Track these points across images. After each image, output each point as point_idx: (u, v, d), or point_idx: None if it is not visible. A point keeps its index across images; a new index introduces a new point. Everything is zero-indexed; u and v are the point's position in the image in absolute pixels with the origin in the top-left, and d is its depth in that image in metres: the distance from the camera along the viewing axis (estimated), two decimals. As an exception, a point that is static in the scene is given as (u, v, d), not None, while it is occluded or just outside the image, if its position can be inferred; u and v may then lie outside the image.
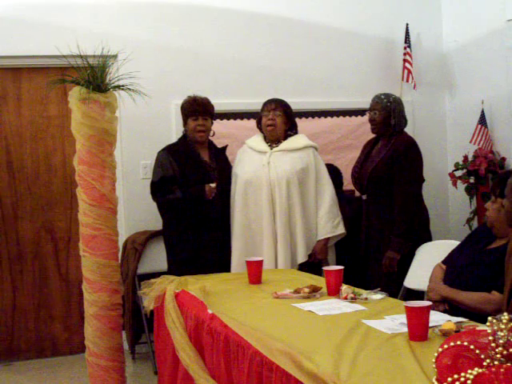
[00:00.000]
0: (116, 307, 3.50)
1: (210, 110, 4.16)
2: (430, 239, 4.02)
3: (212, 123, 4.19)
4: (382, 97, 4.08)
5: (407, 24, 5.11)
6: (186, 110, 4.13)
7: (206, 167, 4.09)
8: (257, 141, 4.14)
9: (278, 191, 3.94)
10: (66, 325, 4.81)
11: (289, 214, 3.95)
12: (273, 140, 4.09)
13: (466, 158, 4.85)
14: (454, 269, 3.11)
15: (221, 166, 4.17)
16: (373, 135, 4.23)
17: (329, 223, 4.02)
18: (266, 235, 3.94)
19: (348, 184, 4.58)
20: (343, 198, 4.32)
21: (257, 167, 4.02)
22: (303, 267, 3.91)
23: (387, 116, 4.03)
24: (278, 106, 4.07)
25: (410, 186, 3.92)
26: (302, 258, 3.96)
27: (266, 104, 4.12)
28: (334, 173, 4.29)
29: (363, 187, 4.05)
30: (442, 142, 5.38)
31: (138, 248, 4.46)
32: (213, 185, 3.96)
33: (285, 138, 4.10)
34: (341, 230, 4.06)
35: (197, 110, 4.08)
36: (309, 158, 4.06)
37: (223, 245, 4.07)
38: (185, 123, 4.15)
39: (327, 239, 4.05)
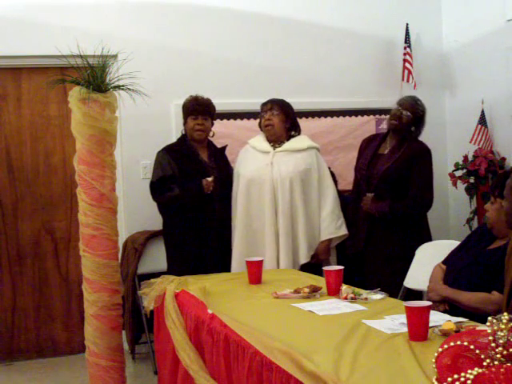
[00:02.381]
0: (116, 307, 3.49)
1: (211, 111, 4.16)
2: (430, 239, 4.02)
3: (212, 124, 4.20)
4: (419, 103, 4.05)
5: (407, 24, 5.11)
6: (187, 108, 4.14)
7: (204, 167, 4.09)
8: (259, 140, 4.15)
9: (280, 191, 3.95)
10: (66, 325, 4.81)
11: (291, 214, 3.95)
12: (275, 140, 4.09)
13: (466, 157, 4.85)
14: (454, 269, 3.11)
15: (220, 165, 4.17)
16: (362, 138, 4.29)
17: (332, 224, 4.03)
18: (267, 235, 3.94)
19: (347, 184, 4.57)
20: (342, 199, 4.31)
21: (260, 166, 4.02)
22: (304, 267, 3.91)
23: (413, 121, 4.00)
24: (273, 105, 4.07)
25: (424, 191, 3.97)
26: (304, 258, 3.96)
27: (262, 105, 4.13)
28: None
29: (371, 185, 4.03)
30: (442, 142, 5.38)
31: (138, 248, 4.46)
32: (209, 178, 3.96)
33: (288, 139, 4.10)
34: (344, 231, 4.07)
35: (197, 109, 4.09)
36: (312, 159, 4.07)
37: (223, 245, 4.08)
38: (185, 122, 4.16)
39: (330, 240, 4.06)
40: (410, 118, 3.99)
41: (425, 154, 4.02)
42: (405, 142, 4.01)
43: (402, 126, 4.01)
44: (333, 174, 4.48)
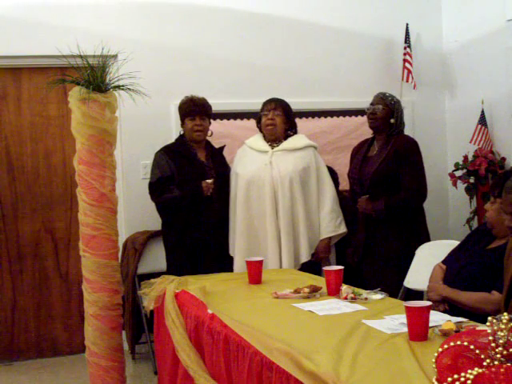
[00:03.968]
0: (116, 307, 3.50)
1: (208, 110, 4.16)
2: (428, 239, 4.02)
3: (210, 123, 4.20)
4: (387, 95, 4.11)
5: (407, 24, 5.11)
6: (184, 110, 4.14)
7: (202, 167, 4.09)
8: (257, 140, 4.15)
9: (280, 190, 3.95)
10: (66, 325, 4.81)
11: (291, 213, 3.95)
12: (273, 139, 4.09)
13: (466, 158, 4.84)
14: (454, 269, 3.11)
15: (218, 166, 4.17)
16: (362, 138, 4.29)
17: (331, 222, 4.04)
18: (269, 234, 3.94)
19: (347, 184, 4.57)
20: (342, 198, 4.32)
21: (259, 166, 4.02)
22: (304, 266, 3.92)
23: (389, 113, 4.04)
24: (277, 105, 4.08)
25: (416, 182, 3.95)
26: (305, 257, 3.97)
27: (265, 104, 4.12)
28: (330, 173, 4.29)
29: (364, 188, 4.05)
30: (442, 142, 5.38)
31: (138, 248, 4.46)
32: (209, 181, 3.96)
33: (285, 138, 4.11)
34: (343, 229, 4.08)
35: (194, 110, 4.09)
36: (310, 157, 4.07)
37: (223, 245, 4.08)
38: (182, 123, 4.16)
39: (330, 238, 4.06)
40: (382, 110, 4.03)
41: (411, 146, 4.04)
42: (391, 139, 4.03)
43: (380, 121, 4.04)
44: (335, 173, 4.50)
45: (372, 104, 4.09)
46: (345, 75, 5.14)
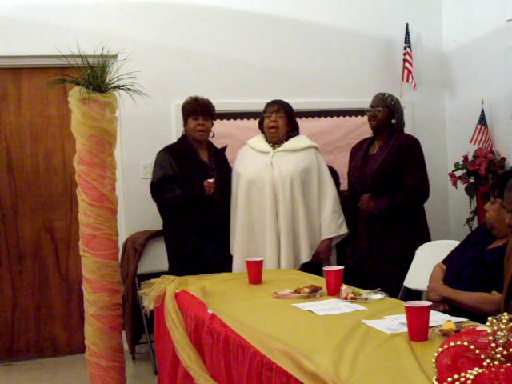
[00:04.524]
0: (116, 307, 3.50)
1: (211, 111, 4.17)
2: (429, 239, 4.02)
3: (212, 124, 4.20)
4: (386, 95, 4.10)
5: (407, 24, 5.11)
6: (187, 109, 4.14)
7: (205, 167, 4.09)
8: (258, 141, 4.15)
9: (281, 191, 3.95)
10: (66, 325, 4.81)
11: (292, 214, 3.96)
12: (275, 141, 4.09)
13: (466, 157, 4.84)
14: (454, 269, 3.11)
15: (220, 166, 4.18)
16: (362, 138, 4.29)
17: (333, 223, 4.04)
18: (268, 234, 3.94)
19: (347, 184, 4.57)
20: (343, 199, 4.32)
21: (260, 167, 4.02)
22: (304, 267, 3.92)
23: (390, 114, 4.04)
24: (280, 107, 4.08)
25: (418, 180, 3.95)
26: (305, 257, 3.97)
27: (268, 105, 4.12)
28: (331, 173, 4.30)
29: (366, 186, 4.04)
30: (442, 142, 5.38)
31: (138, 248, 4.46)
32: (211, 180, 3.96)
33: (287, 139, 4.11)
34: (344, 229, 4.08)
35: (197, 109, 4.10)
36: (311, 158, 4.08)
37: (224, 245, 4.08)
38: (185, 123, 4.17)
39: (331, 239, 4.06)
40: (383, 112, 4.03)
41: (413, 144, 4.04)
42: (392, 138, 4.03)
43: (381, 122, 4.04)
44: (336, 173, 4.50)
45: (372, 106, 4.08)
46: (345, 75, 5.13)
